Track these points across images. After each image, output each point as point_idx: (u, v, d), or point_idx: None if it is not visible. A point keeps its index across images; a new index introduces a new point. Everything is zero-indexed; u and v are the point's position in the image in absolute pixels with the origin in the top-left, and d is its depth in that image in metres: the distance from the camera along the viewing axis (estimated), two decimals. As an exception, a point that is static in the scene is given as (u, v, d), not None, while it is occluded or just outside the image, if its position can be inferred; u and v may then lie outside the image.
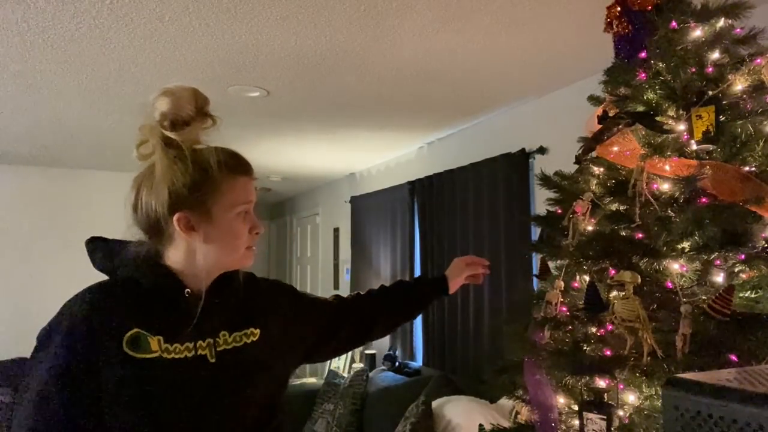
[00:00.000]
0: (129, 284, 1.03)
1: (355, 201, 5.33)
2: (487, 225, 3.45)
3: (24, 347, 5.10)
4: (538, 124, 3.22)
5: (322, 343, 1.30)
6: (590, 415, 1.25)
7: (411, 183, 4.38)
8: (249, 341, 1.10)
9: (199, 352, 1.02)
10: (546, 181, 1.74)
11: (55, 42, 2.42)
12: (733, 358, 1.21)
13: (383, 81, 2.94)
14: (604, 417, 1.24)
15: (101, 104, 3.31)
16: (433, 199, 4.06)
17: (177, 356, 1.00)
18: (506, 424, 1.72)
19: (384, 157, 4.90)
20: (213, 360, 1.03)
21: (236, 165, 1.05)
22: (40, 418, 0.92)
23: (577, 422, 1.39)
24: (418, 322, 4.27)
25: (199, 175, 0.99)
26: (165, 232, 1.02)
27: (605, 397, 1.33)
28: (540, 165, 2.78)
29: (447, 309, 3.82)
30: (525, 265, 3.09)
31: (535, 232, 2.79)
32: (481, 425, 1.87)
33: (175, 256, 1.04)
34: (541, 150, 3.14)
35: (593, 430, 1.24)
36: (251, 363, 1.09)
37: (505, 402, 2.49)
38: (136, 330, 0.98)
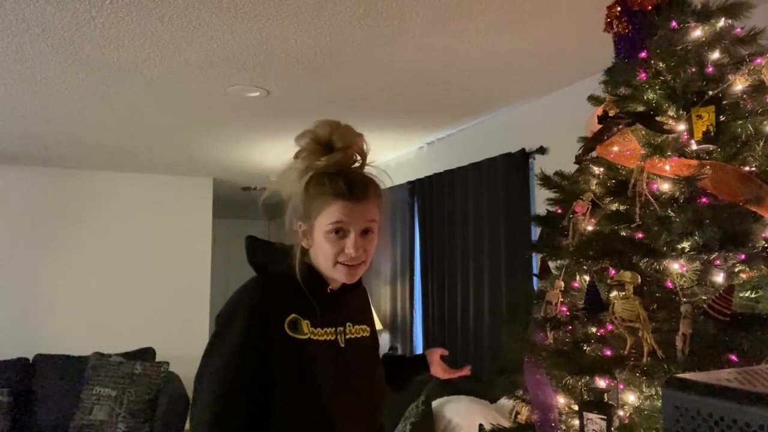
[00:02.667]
0: (283, 277, 1.22)
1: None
2: (487, 225, 3.45)
3: (24, 347, 5.11)
4: (538, 124, 3.22)
5: None
6: (590, 415, 1.25)
7: (411, 183, 4.38)
8: (365, 335, 1.32)
9: (336, 337, 1.24)
10: (546, 181, 1.74)
11: (55, 42, 2.42)
12: (733, 358, 1.21)
13: (383, 81, 2.94)
14: (604, 417, 1.24)
15: (102, 104, 3.31)
16: (433, 199, 4.05)
17: (321, 338, 1.20)
18: (506, 424, 1.72)
19: (384, 157, 4.90)
20: (343, 345, 1.25)
21: (335, 190, 1.17)
22: (227, 385, 1.11)
23: (577, 422, 1.39)
24: (418, 322, 4.27)
25: (309, 194, 1.18)
26: (297, 235, 1.22)
27: (605, 397, 1.33)
28: (540, 165, 2.78)
29: (447, 309, 3.82)
30: (525, 265, 3.09)
31: (535, 232, 2.79)
32: (481, 425, 1.87)
33: (313, 257, 1.23)
34: (541, 150, 3.14)
35: (593, 430, 1.23)
36: (368, 353, 1.33)
37: (505, 402, 2.49)
38: (294, 315, 1.17)
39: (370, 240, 1.23)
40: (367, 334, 1.34)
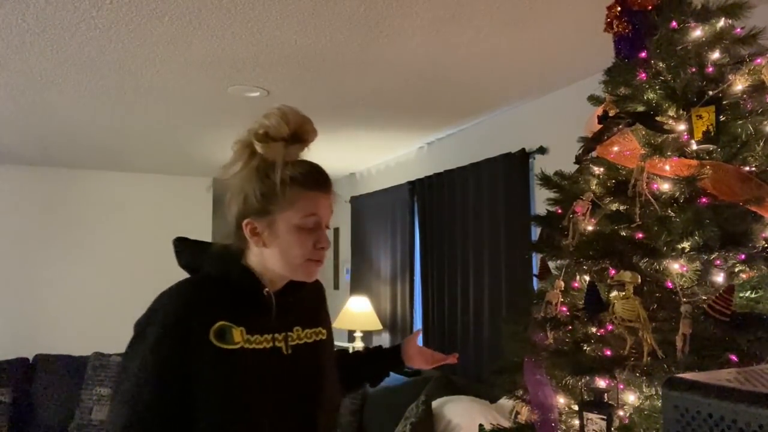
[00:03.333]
0: (214, 280, 1.12)
1: (355, 201, 5.33)
2: (487, 225, 3.45)
3: (24, 347, 5.12)
4: (538, 124, 3.22)
5: None
6: (590, 415, 1.25)
7: (411, 183, 4.38)
8: (318, 339, 1.21)
9: (276, 344, 1.12)
10: (546, 181, 1.74)
11: (55, 42, 2.42)
12: (733, 358, 1.21)
13: (383, 81, 2.94)
14: (604, 417, 1.24)
15: (101, 104, 3.31)
16: (433, 199, 4.05)
17: (257, 347, 1.09)
18: (506, 424, 1.72)
19: (384, 157, 4.90)
20: (288, 353, 1.14)
21: (307, 180, 1.09)
22: (138, 408, 1.00)
23: (577, 422, 1.39)
24: (418, 322, 4.27)
25: (270, 187, 1.07)
26: (240, 233, 1.11)
27: (605, 397, 1.33)
28: (540, 165, 2.78)
29: (447, 309, 3.82)
30: (525, 265, 3.09)
31: (535, 232, 2.79)
32: (481, 425, 1.87)
33: (253, 256, 1.13)
34: (541, 150, 3.14)
35: (593, 430, 1.23)
36: (322, 359, 1.21)
37: (505, 402, 2.49)
38: (222, 323, 1.06)
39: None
40: (324, 337, 1.23)
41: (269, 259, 1.11)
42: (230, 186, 1.11)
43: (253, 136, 1.07)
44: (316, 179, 1.11)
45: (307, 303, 1.23)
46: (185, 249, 1.21)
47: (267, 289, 1.13)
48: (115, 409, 1.02)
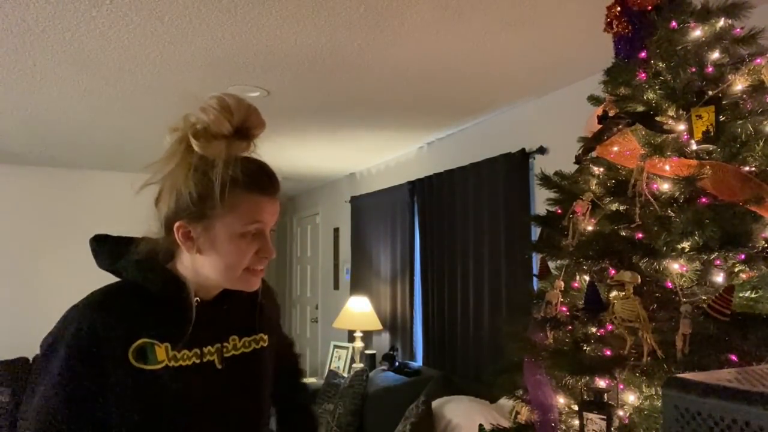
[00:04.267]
0: (135, 289, 0.98)
1: (355, 201, 5.33)
2: (487, 225, 3.45)
3: (25, 347, 5.12)
4: (538, 124, 3.22)
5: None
6: (590, 415, 1.25)
7: (411, 183, 4.38)
8: (258, 347, 1.09)
9: (206, 358, 1.00)
10: (546, 181, 1.74)
11: (55, 42, 2.42)
12: (733, 358, 1.21)
13: (383, 81, 2.94)
14: (604, 417, 1.24)
15: (101, 104, 3.31)
16: (433, 199, 4.05)
17: (184, 363, 0.97)
18: (506, 424, 1.72)
19: (384, 157, 4.90)
20: (220, 366, 1.02)
21: (252, 182, 0.96)
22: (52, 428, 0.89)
23: (577, 422, 1.39)
24: (418, 322, 4.27)
25: (206, 188, 0.93)
26: (170, 236, 0.99)
27: (605, 397, 1.33)
28: (540, 165, 2.78)
29: (447, 309, 3.82)
30: (525, 265, 3.09)
31: (535, 232, 2.79)
32: (481, 425, 1.87)
33: (184, 260, 1.01)
34: (541, 150, 3.14)
35: (593, 430, 1.24)
36: (260, 369, 1.09)
37: (505, 402, 2.49)
38: (142, 340, 0.94)
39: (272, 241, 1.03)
40: (264, 344, 1.10)
41: (204, 266, 0.98)
42: (163, 182, 0.98)
43: (190, 132, 0.94)
44: (262, 181, 0.98)
45: (246, 308, 1.09)
46: (100, 250, 1.09)
47: (197, 299, 1.00)
48: (29, 418, 0.91)
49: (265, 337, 1.11)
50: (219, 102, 0.93)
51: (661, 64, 1.52)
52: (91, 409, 0.91)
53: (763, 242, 1.33)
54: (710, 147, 1.39)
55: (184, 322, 0.97)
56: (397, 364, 3.99)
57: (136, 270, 1.00)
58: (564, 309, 1.54)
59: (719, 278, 1.33)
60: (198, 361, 0.99)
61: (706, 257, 1.33)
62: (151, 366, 0.93)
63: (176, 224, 0.96)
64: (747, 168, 1.38)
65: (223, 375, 1.02)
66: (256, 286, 1.02)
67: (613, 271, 1.42)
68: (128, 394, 0.92)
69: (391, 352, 4.14)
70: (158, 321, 0.96)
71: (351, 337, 4.90)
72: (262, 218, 0.97)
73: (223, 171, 0.92)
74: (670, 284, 1.36)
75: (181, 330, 0.97)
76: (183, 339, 0.97)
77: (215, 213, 0.95)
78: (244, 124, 0.95)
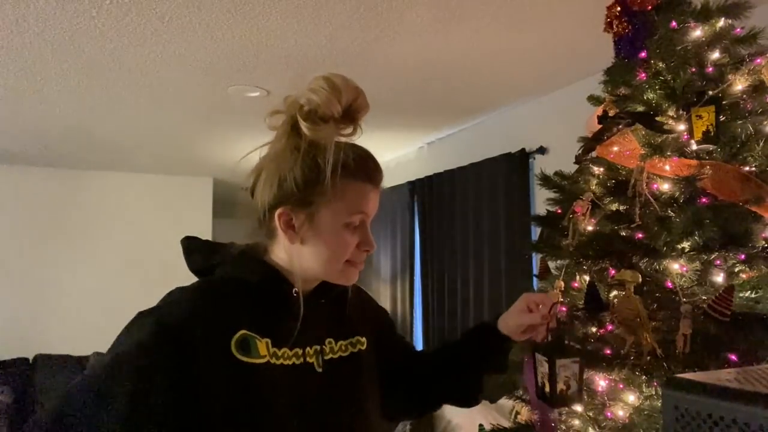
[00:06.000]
0: (233, 283, 0.93)
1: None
2: (487, 225, 3.45)
3: (24, 347, 5.10)
4: (538, 124, 3.22)
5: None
6: (563, 361, 1.05)
7: (411, 183, 4.38)
8: (356, 350, 1.01)
9: (307, 359, 0.93)
10: (546, 181, 1.74)
11: (55, 42, 2.42)
12: (733, 358, 1.21)
13: (383, 81, 2.94)
14: (577, 360, 1.06)
15: (101, 104, 3.31)
16: (433, 199, 4.05)
17: (285, 362, 0.90)
18: (506, 424, 1.72)
19: (384, 157, 4.90)
20: (320, 370, 0.95)
21: (359, 170, 0.91)
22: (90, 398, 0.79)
23: (577, 422, 1.39)
24: (418, 321, 4.27)
25: (314, 173, 0.88)
26: (270, 224, 0.93)
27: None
28: (540, 165, 2.78)
29: (447, 309, 3.82)
30: (525, 265, 3.09)
31: (535, 232, 2.79)
32: (481, 425, 1.87)
33: (279, 252, 0.95)
34: (541, 150, 3.14)
35: (566, 376, 1.06)
36: (361, 375, 1.01)
37: (505, 402, 2.49)
38: (244, 332, 0.87)
39: None
40: (362, 348, 1.02)
41: (304, 257, 0.93)
42: (263, 165, 0.93)
43: (298, 113, 0.89)
44: (370, 169, 0.93)
45: (339, 310, 1.02)
46: (195, 251, 1.01)
47: (296, 289, 0.94)
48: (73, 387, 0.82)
49: (363, 339, 1.03)
50: (328, 82, 0.88)
51: (661, 64, 1.52)
52: (164, 394, 0.80)
53: (763, 242, 1.33)
54: (710, 147, 1.39)
55: (287, 317, 0.92)
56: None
57: (235, 262, 0.95)
58: (564, 309, 1.54)
59: (719, 278, 1.33)
60: (299, 362, 0.92)
61: (706, 257, 1.33)
62: (253, 359, 0.86)
63: (278, 211, 0.91)
64: (747, 168, 1.38)
65: (323, 379, 0.94)
66: (354, 279, 0.98)
67: (613, 271, 1.42)
68: (225, 386, 0.83)
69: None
70: (258, 316, 0.90)
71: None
72: (367, 208, 0.93)
73: (334, 155, 0.87)
74: (670, 284, 1.36)
75: (281, 326, 0.91)
76: (289, 335, 0.91)
77: (322, 200, 0.89)
78: (353, 106, 0.91)
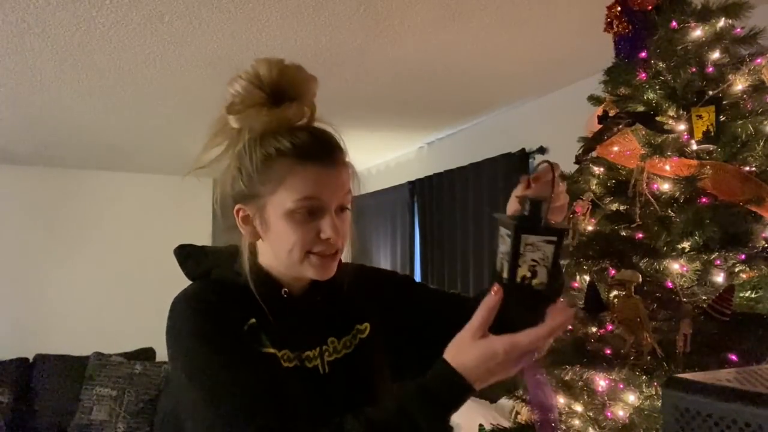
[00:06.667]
0: (228, 284, 0.89)
1: (354, 201, 5.33)
2: (487, 225, 3.45)
3: (24, 347, 5.10)
4: (538, 124, 3.22)
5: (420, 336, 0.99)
6: (532, 238, 0.74)
7: (411, 183, 4.38)
8: (357, 341, 0.95)
9: (310, 363, 0.89)
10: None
11: (55, 42, 2.42)
12: (733, 358, 1.21)
13: (383, 81, 2.93)
14: (553, 240, 0.75)
15: (101, 104, 3.31)
16: (433, 199, 4.05)
17: (287, 365, 0.86)
18: (506, 424, 1.72)
19: (384, 157, 4.90)
20: (324, 372, 0.90)
21: (301, 151, 0.83)
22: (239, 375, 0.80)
23: (577, 422, 1.39)
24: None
25: (254, 164, 0.84)
26: (236, 225, 0.91)
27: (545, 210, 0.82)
28: (540, 165, 2.78)
29: (447, 309, 3.82)
30: (525, 265, 3.08)
31: (535, 232, 2.78)
32: (481, 425, 1.87)
33: (262, 250, 0.92)
34: (541, 150, 3.14)
35: (533, 260, 0.74)
36: (370, 363, 0.95)
37: (505, 402, 2.49)
38: (254, 320, 0.86)
39: (345, 220, 0.90)
40: (363, 336, 0.96)
41: (267, 253, 0.90)
42: (215, 163, 0.92)
43: (224, 108, 0.87)
44: (312, 149, 0.84)
45: (342, 301, 0.96)
46: (189, 257, 0.97)
47: (285, 290, 0.90)
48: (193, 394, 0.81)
49: (364, 325, 0.96)
50: (249, 71, 0.87)
51: (661, 64, 1.52)
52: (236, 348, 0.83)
53: (763, 242, 1.33)
54: (710, 147, 1.39)
55: (282, 318, 0.89)
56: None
57: (225, 264, 0.92)
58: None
59: (719, 278, 1.33)
60: (301, 365, 0.88)
61: (706, 257, 1.33)
62: (264, 348, 0.85)
63: (235, 209, 0.89)
64: (747, 168, 1.38)
65: (327, 381, 0.90)
66: (329, 271, 0.88)
67: (613, 271, 1.42)
68: (257, 365, 0.83)
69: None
70: (254, 314, 0.87)
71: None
72: (317, 192, 0.84)
73: (269, 141, 0.84)
74: (670, 284, 1.36)
75: (279, 327, 0.88)
76: (287, 337, 0.87)
77: (266, 190, 0.85)
78: (283, 85, 0.86)
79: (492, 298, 0.76)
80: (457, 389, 0.78)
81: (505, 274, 0.76)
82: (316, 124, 0.92)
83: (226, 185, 0.89)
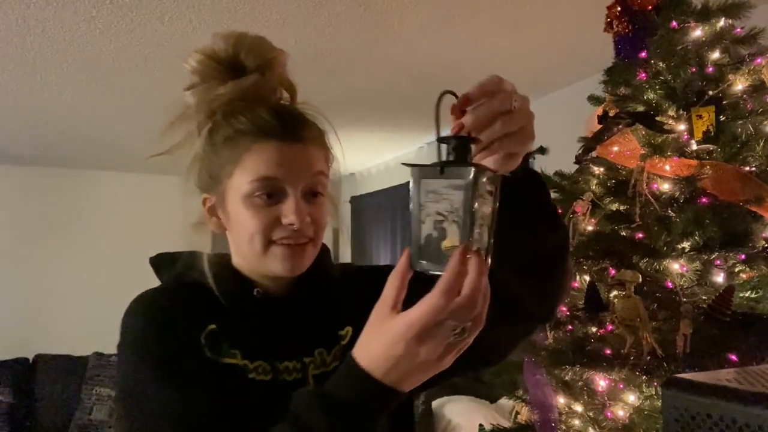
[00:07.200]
0: (189, 286, 0.78)
1: (355, 201, 5.33)
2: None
3: (24, 347, 5.09)
4: (538, 124, 3.18)
5: None
6: (434, 184, 0.60)
7: (411, 183, 4.38)
8: (341, 349, 0.80)
9: (287, 377, 0.75)
10: (546, 181, 1.74)
11: (55, 41, 2.42)
12: (733, 358, 1.21)
13: (383, 81, 2.93)
14: (459, 184, 0.57)
15: (101, 104, 3.31)
16: (433, 199, 4.05)
17: (260, 377, 0.74)
18: (506, 424, 1.72)
19: (384, 157, 4.90)
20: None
21: (266, 125, 0.73)
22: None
23: (578, 422, 1.39)
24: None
25: (221, 144, 0.75)
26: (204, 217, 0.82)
27: (472, 151, 0.64)
28: (540, 165, 2.77)
29: (447, 309, 3.82)
30: (525, 265, 3.09)
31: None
32: (481, 425, 1.87)
33: (231, 245, 0.81)
34: (541, 150, 3.13)
35: (438, 213, 0.58)
36: None
37: (505, 402, 2.49)
38: (214, 326, 0.74)
39: (320, 206, 0.76)
40: (345, 342, 0.79)
41: (233, 247, 0.80)
42: (175, 149, 0.84)
43: (184, 89, 0.78)
44: (272, 123, 0.73)
45: (331, 307, 0.81)
46: (162, 265, 0.86)
47: (258, 290, 0.78)
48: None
49: (346, 330, 0.80)
50: (204, 47, 0.76)
51: (661, 64, 1.52)
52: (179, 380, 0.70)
53: (763, 242, 1.33)
54: (710, 147, 1.39)
55: (255, 324, 0.76)
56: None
57: (192, 265, 0.80)
58: (564, 309, 1.54)
59: (719, 278, 1.33)
60: (280, 378, 0.74)
61: (706, 257, 1.33)
62: (227, 359, 0.73)
63: (202, 198, 0.81)
64: (747, 168, 1.38)
65: None
66: (295, 265, 0.75)
67: (613, 271, 1.42)
68: (204, 384, 0.70)
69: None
70: (224, 322, 0.75)
71: (351, 337, 4.89)
72: (275, 172, 0.72)
73: (227, 120, 0.74)
74: (670, 284, 1.36)
75: (252, 333, 0.75)
76: (261, 345, 0.75)
77: (224, 173, 0.75)
78: (238, 57, 0.75)
79: (401, 264, 0.59)
80: (364, 392, 0.58)
81: (410, 234, 0.60)
82: (303, 108, 0.81)
83: (190, 173, 0.80)
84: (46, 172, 5.14)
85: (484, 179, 0.58)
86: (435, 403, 3.06)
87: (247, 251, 0.75)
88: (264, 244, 0.73)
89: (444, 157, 0.62)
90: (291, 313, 0.79)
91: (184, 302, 0.76)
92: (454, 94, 0.66)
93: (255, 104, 0.75)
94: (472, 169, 0.57)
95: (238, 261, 0.80)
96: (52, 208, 5.15)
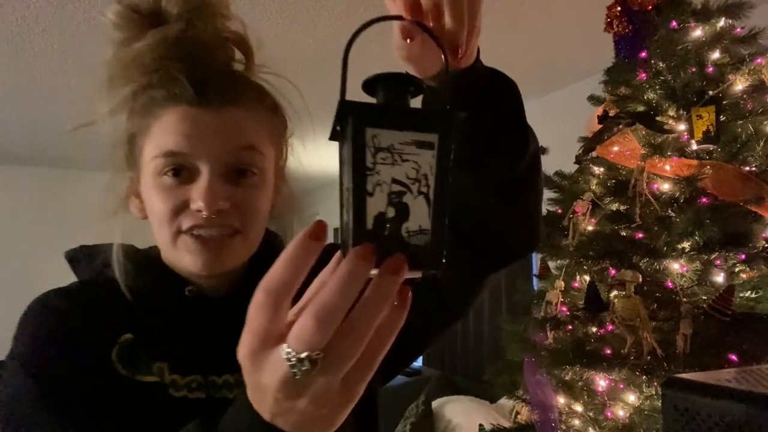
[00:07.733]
0: (104, 285, 0.65)
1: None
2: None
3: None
4: (538, 124, 3.21)
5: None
6: (389, 137, 0.40)
7: (411, 183, 4.38)
8: None
9: (231, 392, 0.62)
10: (546, 181, 1.74)
11: (55, 42, 2.42)
12: (733, 358, 1.21)
13: (383, 81, 2.94)
14: (431, 141, 0.39)
15: (101, 104, 3.30)
16: (433, 199, 4.05)
17: (193, 395, 0.61)
18: (506, 424, 1.72)
19: (384, 157, 4.90)
20: None
21: (176, 88, 0.59)
22: None
23: (578, 422, 1.39)
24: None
25: (139, 112, 0.63)
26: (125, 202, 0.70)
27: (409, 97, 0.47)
28: (540, 165, 2.78)
29: (447, 309, 3.82)
30: (525, 265, 3.09)
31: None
32: (481, 425, 1.87)
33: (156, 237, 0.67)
34: (541, 150, 3.13)
35: (396, 182, 0.39)
36: None
37: (505, 402, 2.49)
38: (129, 336, 0.61)
39: (250, 189, 0.62)
40: None
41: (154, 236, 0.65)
42: (99, 123, 0.72)
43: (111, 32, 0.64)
44: (183, 85, 0.59)
45: None
46: (80, 259, 0.76)
47: (190, 288, 0.64)
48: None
49: None
50: None
51: (661, 64, 1.52)
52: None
53: (763, 242, 1.33)
54: (710, 147, 1.39)
55: (188, 330, 0.63)
56: (397, 364, 4.00)
57: (114, 262, 0.67)
58: (564, 309, 1.54)
59: (719, 278, 1.33)
60: (208, 395, 0.61)
61: (706, 257, 1.34)
62: (142, 376, 0.59)
63: (125, 178, 0.68)
64: (747, 168, 1.38)
65: None
66: (209, 261, 0.60)
67: (613, 271, 1.42)
68: (112, 413, 0.56)
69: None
70: (148, 328, 0.62)
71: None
72: (180, 145, 0.58)
73: (147, 83, 0.62)
74: (670, 284, 1.36)
75: (183, 342, 0.62)
76: (194, 355, 0.62)
77: (137, 146, 0.63)
78: (159, 5, 0.61)
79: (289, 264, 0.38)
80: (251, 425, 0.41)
81: (344, 217, 0.40)
82: (258, 71, 0.67)
83: (113, 146, 0.67)
84: (45, 172, 5.14)
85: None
86: (435, 403, 3.06)
87: (160, 242, 0.62)
88: (172, 233, 0.60)
89: (382, 100, 0.42)
90: (231, 317, 0.53)
91: (94, 305, 0.63)
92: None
93: (174, 62, 0.60)
94: (453, 116, 0.39)
95: (167, 256, 0.66)
96: (51, 209, 5.15)
